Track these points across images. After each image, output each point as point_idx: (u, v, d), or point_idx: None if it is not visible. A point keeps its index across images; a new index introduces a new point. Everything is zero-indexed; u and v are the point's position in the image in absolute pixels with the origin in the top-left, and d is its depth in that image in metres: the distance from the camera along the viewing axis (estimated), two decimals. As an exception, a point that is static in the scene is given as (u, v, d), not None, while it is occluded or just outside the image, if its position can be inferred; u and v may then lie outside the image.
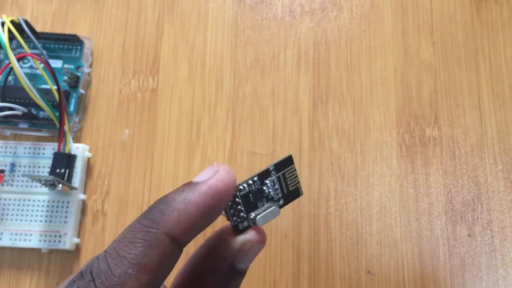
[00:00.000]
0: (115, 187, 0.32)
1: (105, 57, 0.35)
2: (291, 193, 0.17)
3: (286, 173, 0.17)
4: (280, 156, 0.32)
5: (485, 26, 0.34)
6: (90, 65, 0.35)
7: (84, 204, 0.32)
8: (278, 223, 0.31)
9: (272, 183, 0.17)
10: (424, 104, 0.32)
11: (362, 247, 0.30)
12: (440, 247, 0.30)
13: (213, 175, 0.15)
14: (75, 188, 0.31)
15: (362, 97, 0.33)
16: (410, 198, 0.31)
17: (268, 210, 0.17)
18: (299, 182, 0.17)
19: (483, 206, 0.30)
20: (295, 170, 0.17)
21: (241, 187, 0.17)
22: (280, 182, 0.17)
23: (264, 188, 0.17)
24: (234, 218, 0.17)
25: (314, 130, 0.32)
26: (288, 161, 0.17)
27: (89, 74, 0.34)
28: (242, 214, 0.17)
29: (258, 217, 0.17)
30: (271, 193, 0.17)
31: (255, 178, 0.17)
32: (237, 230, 0.17)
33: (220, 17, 0.35)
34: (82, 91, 0.33)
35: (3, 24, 0.30)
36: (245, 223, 0.17)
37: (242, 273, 0.17)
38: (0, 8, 0.36)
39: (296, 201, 0.31)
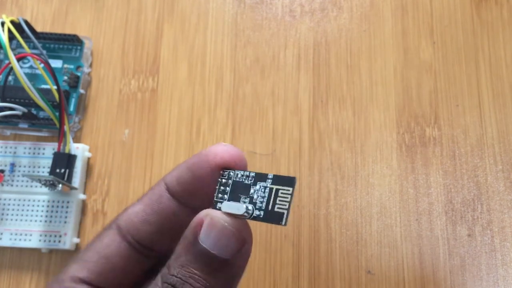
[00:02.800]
0: (115, 187, 0.32)
1: (105, 57, 0.35)
2: (274, 215, 0.16)
3: (280, 191, 0.16)
4: (280, 156, 0.32)
5: (485, 26, 0.34)
6: (90, 65, 0.35)
7: (84, 204, 0.32)
8: (278, 223, 0.31)
9: (262, 190, 0.16)
10: (424, 104, 0.32)
11: (362, 247, 0.30)
12: (440, 247, 0.30)
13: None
14: (75, 188, 0.31)
15: (362, 97, 0.33)
16: (410, 198, 0.31)
17: (236, 204, 0.16)
18: (288, 210, 0.16)
19: (483, 206, 0.30)
20: (290, 195, 0.16)
21: (237, 173, 0.17)
22: (270, 195, 0.16)
23: (253, 188, 0.16)
24: (219, 195, 0.17)
25: (314, 130, 0.32)
26: (289, 181, 0.16)
27: (89, 74, 0.34)
28: (225, 196, 0.17)
29: (226, 203, 0.16)
30: (256, 197, 0.16)
31: (252, 174, 0.17)
32: (214, 208, 0.17)
33: (220, 17, 0.35)
34: (82, 91, 0.33)
35: (3, 24, 0.30)
36: (220, 206, 0.17)
37: (223, 261, 0.16)
38: (0, 8, 0.36)
39: (296, 201, 0.31)
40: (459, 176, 0.31)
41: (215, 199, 0.17)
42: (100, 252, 0.17)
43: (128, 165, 0.33)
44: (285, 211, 0.15)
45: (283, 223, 0.15)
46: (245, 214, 0.16)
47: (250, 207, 0.16)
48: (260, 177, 0.16)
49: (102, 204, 0.32)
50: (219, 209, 0.17)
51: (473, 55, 0.33)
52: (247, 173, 0.17)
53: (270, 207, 0.16)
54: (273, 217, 0.16)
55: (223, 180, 0.17)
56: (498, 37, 0.33)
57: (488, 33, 0.34)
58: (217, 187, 0.17)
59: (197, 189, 0.17)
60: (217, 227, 0.16)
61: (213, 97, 0.34)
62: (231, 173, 0.17)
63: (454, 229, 0.30)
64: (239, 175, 0.17)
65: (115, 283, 0.17)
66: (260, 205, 0.16)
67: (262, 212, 0.16)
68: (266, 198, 0.16)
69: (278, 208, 0.16)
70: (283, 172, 0.32)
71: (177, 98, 0.34)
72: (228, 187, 0.17)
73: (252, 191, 0.16)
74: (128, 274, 0.17)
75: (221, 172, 0.17)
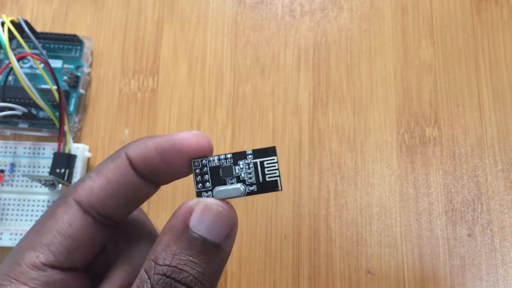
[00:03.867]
0: (115, 187, 0.32)
1: (105, 57, 0.35)
2: (268, 184, 0.17)
3: (265, 162, 0.17)
4: (280, 156, 0.32)
5: (485, 26, 0.34)
6: (90, 65, 0.35)
7: (84, 204, 0.32)
8: (278, 223, 0.31)
9: (246, 166, 0.17)
10: (424, 104, 0.32)
11: (362, 247, 0.30)
12: (440, 247, 0.30)
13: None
14: (75, 188, 0.31)
15: (362, 97, 0.33)
16: (410, 198, 0.31)
17: (231, 187, 0.17)
18: (279, 176, 0.17)
19: (483, 206, 0.30)
20: (276, 162, 0.17)
21: (211, 158, 0.17)
22: (256, 169, 0.17)
23: (236, 167, 0.17)
24: (199, 185, 0.17)
25: (314, 130, 0.32)
26: (270, 152, 0.17)
27: (89, 74, 0.34)
28: (207, 184, 0.17)
29: (218, 189, 0.17)
30: (243, 175, 0.17)
31: (229, 156, 0.17)
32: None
33: (220, 17, 0.35)
34: (82, 91, 0.33)
35: (3, 24, 0.30)
36: (208, 193, 0.17)
37: (216, 246, 0.16)
38: (0, 8, 0.36)
39: (296, 201, 0.31)
40: (459, 176, 0.31)
41: (197, 190, 0.17)
42: (62, 233, 0.16)
43: (128, 165, 0.33)
44: (278, 178, 0.17)
45: (279, 188, 0.16)
46: (241, 194, 0.17)
47: (242, 186, 0.17)
48: (239, 155, 0.17)
49: (102, 204, 0.32)
50: (213, 196, 0.17)
51: (473, 55, 0.33)
52: (223, 156, 0.17)
53: (261, 179, 0.17)
54: (268, 186, 0.17)
55: (197, 170, 0.17)
56: (498, 37, 0.33)
57: (488, 33, 0.34)
58: (193, 178, 0.17)
59: (164, 172, 0.17)
60: (213, 212, 0.16)
61: (213, 97, 0.34)
62: (204, 161, 0.17)
63: (454, 229, 0.30)
64: (215, 160, 0.17)
65: (82, 259, 0.17)
66: (251, 180, 0.17)
67: (255, 186, 0.17)
68: (254, 172, 0.17)
69: (269, 177, 0.17)
70: (283, 172, 0.32)
71: (177, 98, 0.34)
72: (207, 174, 0.17)
73: (236, 171, 0.17)
74: (93, 247, 0.17)
75: (192, 161, 0.17)
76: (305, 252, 0.30)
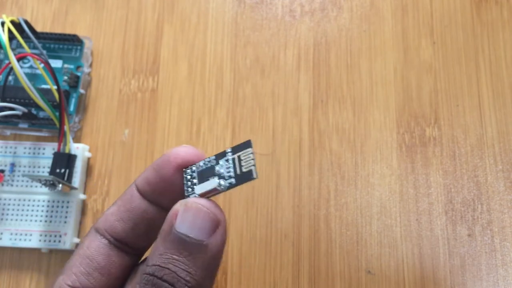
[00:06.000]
0: (115, 187, 0.32)
1: (105, 57, 0.35)
2: (244, 175, 0.17)
3: (242, 155, 0.17)
4: (280, 156, 0.32)
5: (485, 26, 0.34)
6: (90, 65, 0.35)
7: (84, 204, 0.32)
8: (278, 223, 0.31)
9: (225, 163, 0.18)
10: (424, 104, 0.32)
11: (362, 247, 0.30)
12: (440, 247, 0.30)
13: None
14: (75, 188, 0.31)
15: (362, 97, 0.33)
16: (410, 198, 0.31)
17: (207, 182, 0.17)
18: (254, 165, 0.17)
19: (483, 206, 0.30)
20: (251, 153, 0.17)
21: (198, 164, 0.18)
22: (234, 164, 0.17)
23: (217, 166, 0.18)
24: (189, 190, 0.18)
25: (314, 130, 0.32)
26: (246, 145, 0.17)
27: (89, 74, 0.34)
28: (194, 186, 0.18)
29: (197, 187, 0.18)
30: (222, 171, 0.18)
31: (212, 158, 0.18)
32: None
33: (220, 17, 0.35)
34: (82, 91, 0.33)
35: (3, 24, 0.30)
36: (194, 195, 0.18)
37: (200, 243, 0.16)
38: (0, 8, 0.36)
39: (296, 201, 0.31)
40: (459, 176, 0.31)
41: (185, 194, 0.18)
42: (82, 255, 0.18)
43: (128, 165, 0.33)
44: (252, 167, 0.17)
45: (254, 176, 0.17)
46: (219, 187, 0.17)
47: (222, 181, 0.17)
48: (220, 155, 0.18)
49: (102, 204, 0.32)
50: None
51: (473, 55, 0.33)
52: (208, 159, 0.18)
53: (238, 171, 0.17)
54: (244, 177, 0.17)
55: (188, 177, 0.18)
56: (498, 37, 0.33)
57: (488, 33, 0.34)
58: (184, 183, 0.18)
59: (164, 189, 0.18)
60: (192, 210, 0.16)
61: (213, 97, 0.34)
62: (193, 167, 0.18)
63: (454, 229, 0.30)
64: (201, 164, 0.18)
65: (101, 282, 0.18)
66: (229, 174, 0.17)
67: (233, 179, 0.17)
68: (232, 167, 0.17)
69: (245, 168, 0.17)
70: (283, 172, 0.32)
71: (177, 98, 0.34)
72: (195, 178, 0.18)
73: (217, 168, 0.18)
74: (111, 271, 0.18)
75: (183, 170, 0.18)
76: (305, 252, 0.30)
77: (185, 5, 0.36)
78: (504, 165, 0.31)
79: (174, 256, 0.16)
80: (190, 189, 0.18)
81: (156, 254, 0.16)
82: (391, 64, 0.33)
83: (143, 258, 0.20)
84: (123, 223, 0.18)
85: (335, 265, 0.30)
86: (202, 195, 0.18)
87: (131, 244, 0.19)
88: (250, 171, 0.17)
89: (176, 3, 0.36)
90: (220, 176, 0.17)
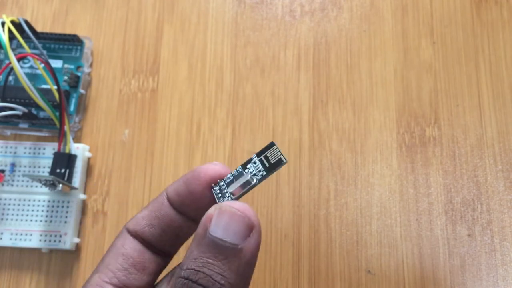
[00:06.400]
0: (115, 187, 0.32)
1: (105, 57, 0.35)
2: (274, 164, 0.18)
3: (268, 154, 0.18)
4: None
5: (485, 26, 0.34)
6: (90, 65, 0.35)
7: (84, 204, 0.32)
8: (278, 223, 0.31)
9: (253, 165, 0.18)
10: (424, 104, 0.32)
11: (362, 247, 0.30)
12: (440, 247, 0.30)
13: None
14: (75, 188, 0.31)
15: (362, 97, 0.33)
16: (410, 198, 0.31)
17: (239, 179, 0.18)
18: (281, 154, 0.18)
19: (483, 206, 0.30)
20: (277, 148, 0.18)
21: (226, 177, 0.19)
22: (262, 162, 0.18)
23: (246, 170, 0.18)
24: (220, 199, 0.19)
25: (314, 130, 0.32)
26: (269, 145, 0.18)
27: (89, 74, 0.34)
28: (227, 187, 0.19)
29: (229, 187, 0.18)
30: (252, 170, 0.18)
31: (239, 168, 0.19)
32: None
33: (220, 17, 0.35)
34: (82, 91, 0.33)
35: (3, 24, 0.30)
36: (227, 198, 0.18)
37: (234, 248, 0.16)
38: (0, 8, 0.36)
39: (296, 201, 0.31)
40: (459, 176, 0.31)
41: (218, 202, 0.18)
42: (117, 253, 0.19)
43: (128, 165, 0.33)
44: (281, 156, 0.18)
45: (285, 160, 0.18)
46: (251, 179, 0.18)
47: (253, 175, 0.18)
48: (246, 163, 0.19)
49: (102, 204, 0.32)
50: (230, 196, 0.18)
51: (473, 55, 0.33)
52: (235, 171, 0.19)
53: (267, 164, 0.18)
54: (274, 165, 0.18)
55: (217, 191, 0.19)
56: (498, 37, 0.33)
57: (488, 33, 0.34)
58: (215, 197, 0.19)
59: (192, 201, 0.19)
60: (226, 214, 0.17)
61: (213, 97, 0.34)
62: (221, 182, 0.19)
63: (454, 229, 0.30)
64: (229, 176, 0.19)
65: (137, 277, 0.19)
66: (259, 171, 0.18)
67: (264, 171, 0.18)
68: (260, 165, 0.18)
69: (273, 159, 0.18)
70: (283, 173, 0.32)
71: (177, 98, 0.34)
72: (225, 189, 0.19)
73: (246, 171, 0.18)
74: (146, 266, 0.19)
75: (212, 186, 0.19)
76: (305, 252, 0.30)
77: (185, 5, 0.36)
78: (504, 165, 0.31)
79: (209, 260, 0.16)
80: (220, 196, 0.18)
81: (191, 258, 0.16)
82: (391, 64, 0.33)
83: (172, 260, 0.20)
84: (152, 228, 0.19)
85: (335, 265, 0.30)
86: (235, 193, 0.18)
87: (159, 248, 0.19)
88: (279, 159, 0.18)
89: (176, 3, 0.36)
90: (251, 173, 0.18)
